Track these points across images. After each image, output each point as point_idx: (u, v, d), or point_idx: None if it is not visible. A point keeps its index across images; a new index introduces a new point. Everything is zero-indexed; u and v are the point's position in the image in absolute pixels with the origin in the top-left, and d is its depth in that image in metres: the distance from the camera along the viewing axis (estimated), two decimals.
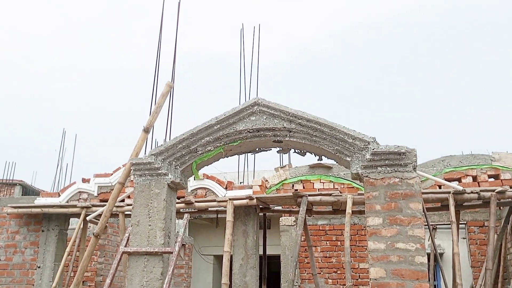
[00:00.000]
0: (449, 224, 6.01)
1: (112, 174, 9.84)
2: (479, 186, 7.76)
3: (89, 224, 7.95)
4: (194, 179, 9.01)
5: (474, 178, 8.09)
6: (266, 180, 9.23)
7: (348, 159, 4.34)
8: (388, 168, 4.19)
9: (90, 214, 7.20)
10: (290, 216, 8.68)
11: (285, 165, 9.37)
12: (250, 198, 6.56)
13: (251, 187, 8.97)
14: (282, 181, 9.07)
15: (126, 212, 6.93)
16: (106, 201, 7.91)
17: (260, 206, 6.99)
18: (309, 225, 8.36)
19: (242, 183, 10.60)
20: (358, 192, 6.61)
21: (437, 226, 7.99)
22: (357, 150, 4.27)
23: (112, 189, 6.22)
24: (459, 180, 8.11)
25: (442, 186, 7.70)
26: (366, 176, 4.23)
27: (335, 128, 4.31)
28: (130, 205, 6.56)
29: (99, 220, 5.52)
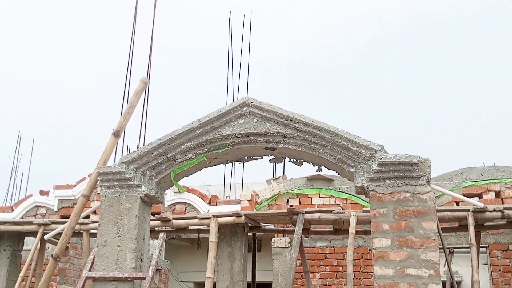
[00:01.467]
0: (468, 247, 6.04)
1: (75, 186, 9.80)
2: (502, 203, 7.83)
3: (47, 245, 7.87)
4: (179, 191, 8.99)
5: (497, 194, 8.16)
6: (257, 194, 9.23)
7: (352, 170, 4.35)
8: (397, 181, 4.21)
9: (48, 232, 7.13)
10: (284, 236, 8.68)
11: (279, 177, 9.38)
12: (238, 215, 6.54)
13: (238, 202, 8.96)
14: (275, 195, 9.07)
15: (92, 231, 6.87)
16: (68, 217, 7.83)
17: (249, 225, 6.97)
18: (306, 247, 8.36)
19: (228, 198, 10.58)
20: (363, 209, 6.63)
21: (454, 249, 8.02)
22: (362, 160, 4.29)
23: (75, 203, 6.17)
24: (479, 196, 8.17)
25: (460, 203, 7.74)
26: (373, 190, 4.24)
27: (337, 134, 4.32)
28: (96, 222, 6.51)
29: (59, 239, 5.46)
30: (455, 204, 8.06)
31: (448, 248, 7.30)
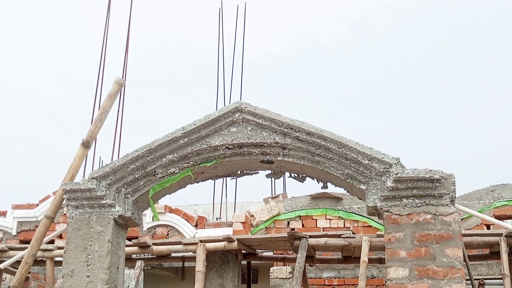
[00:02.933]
0: (501, 278, 6.05)
1: (37, 205, 9.78)
2: None
3: (4, 275, 7.83)
4: (153, 220, 9.01)
5: None
6: (252, 216, 9.23)
7: (363, 187, 4.37)
8: (416, 200, 4.23)
9: (5, 260, 7.10)
10: (284, 265, 8.67)
11: (278, 195, 9.39)
12: (229, 239, 6.55)
13: (231, 225, 8.96)
14: (274, 216, 9.08)
15: (56, 258, 6.85)
16: (28, 242, 7.81)
17: (243, 251, 6.98)
18: (311, 278, 8.35)
19: (219, 219, 10.58)
20: (377, 233, 6.65)
21: (484, 280, 8.03)
22: (375, 175, 4.30)
23: (37, 226, 6.16)
24: None
25: (491, 226, 7.76)
26: (387, 211, 4.26)
27: (345, 145, 4.34)
28: (62, 248, 6.50)
29: (17, 268, 5.45)
30: (485, 227, 8.07)
31: (478, 279, 7.31)
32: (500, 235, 6.08)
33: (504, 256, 5.94)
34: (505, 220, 7.61)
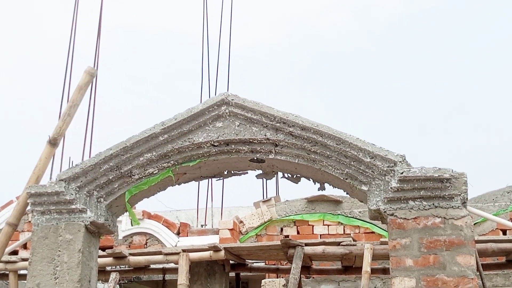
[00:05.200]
0: None
1: None
2: None
3: None
4: (132, 225, 9.00)
5: None
6: (241, 222, 9.24)
7: (365, 188, 4.39)
8: (424, 203, 4.25)
9: None
10: (277, 277, 8.68)
11: (270, 199, 9.41)
12: (216, 249, 6.56)
13: (217, 232, 8.97)
14: (266, 222, 9.09)
15: (21, 271, 6.83)
16: None
17: (231, 262, 6.99)
18: None
19: (204, 226, 10.59)
20: (381, 240, 6.67)
21: None
22: (378, 175, 4.32)
23: None
24: None
25: (507, 231, 7.81)
26: (392, 215, 4.27)
27: (344, 141, 4.36)
28: (27, 259, 6.49)
29: None
30: (501, 232, 8.12)
31: None
32: None
33: None
34: None
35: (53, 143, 5.17)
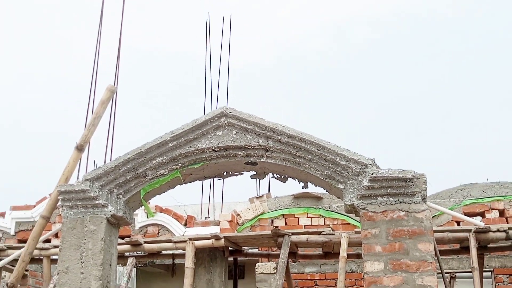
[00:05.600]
0: (471, 271, 6.09)
1: (34, 206, 9.70)
2: (507, 223, 7.92)
3: (3, 273, 7.76)
4: (147, 217, 8.98)
5: (501, 213, 8.24)
6: (238, 215, 9.23)
7: (341, 186, 4.40)
8: (391, 199, 4.26)
9: (3, 259, 7.05)
10: (269, 261, 8.67)
11: (262, 195, 9.39)
12: (217, 237, 6.54)
13: (218, 224, 8.95)
14: (259, 215, 9.08)
15: (53, 256, 6.81)
16: (26, 241, 7.77)
17: (230, 249, 6.97)
18: (294, 273, 8.36)
19: (207, 218, 10.55)
20: (356, 229, 6.67)
21: (456, 274, 8.08)
22: (352, 175, 4.33)
23: (34, 226, 6.13)
24: (482, 214, 8.25)
25: (461, 223, 7.82)
26: (364, 209, 4.29)
27: (323, 147, 4.37)
28: (58, 246, 6.47)
29: (15, 266, 5.41)
30: (455, 224, 8.13)
31: (450, 272, 7.35)
32: (469, 231, 6.13)
33: (473, 250, 5.99)
34: (473, 217, 7.67)
35: (79, 148, 5.16)
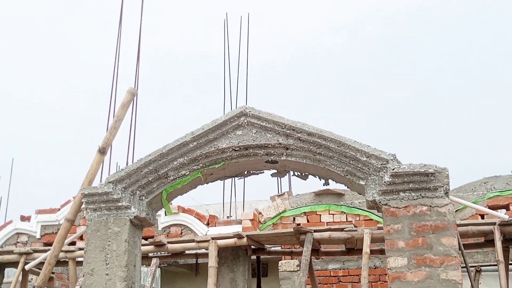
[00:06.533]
0: (496, 264, 6.03)
1: (59, 210, 9.83)
2: None
3: (30, 276, 7.87)
4: (166, 214, 9.03)
5: None
6: (260, 213, 9.24)
7: (362, 182, 4.38)
8: (413, 193, 4.23)
9: (30, 262, 7.15)
10: (292, 259, 8.67)
11: (284, 193, 9.39)
12: (239, 236, 6.55)
13: (240, 222, 8.97)
14: (280, 213, 9.08)
15: (78, 259, 6.88)
16: (52, 244, 7.87)
17: (253, 247, 6.97)
18: (317, 270, 8.35)
19: (229, 218, 10.59)
20: (378, 225, 6.63)
21: (481, 267, 7.99)
22: (373, 171, 4.31)
23: (59, 229, 6.21)
24: (506, 207, 8.16)
25: (485, 216, 7.73)
26: (385, 204, 4.26)
27: (344, 144, 4.36)
28: (83, 248, 6.54)
29: (42, 269, 5.49)
30: (479, 217, 8.05)
31: (474, 266, 7.28)
32: (494, 224, 6.06)
33: (498, 243, 5.92)
34: (498, 210, 7.60)
35: (102, 151, 5.21)
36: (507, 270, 6.04)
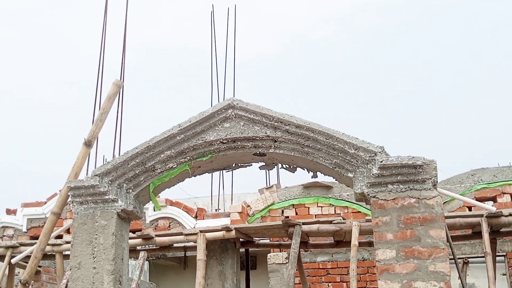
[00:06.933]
0: (483, 256, 6.07)
1: (45, 203, 9.77)
2: None
3: (17, 269, 7.82)
4: (154, 210, 9.01)
5: None
6: (248, 206, 9.24)
7: (350, 175, 4.37)
8: (401, 186, 4.23)
9: (17, 255, 7.10)
10: (280, 251, 8.69)
11: (272, 186, 9.40)
12: (228, 229, 6.54)
13: (228, 215, 8.97)
14: (269, 206, 9.09)
15: (65, 252, 6.84)
16: (38, 238, 7.82)
17: (241, 240, 6.97)
18: (305, 262, 8.37)
19: (217, 210, 10.58)
20: (366, 218, 6.64)
21: (469, 259, 8.06)
22: (361, 164, 4.31)
23: (46, 222, 6.17)
24: (494, 199, 8.21)
25: (472, 208, 7.78)
26: (374, 197, 4.26)
27: (332, 136, 4.34)
28: (69, 242, 6.51)
29: (28, 263, 5.45)
30: (467, 209, 8.10)
31: (462, 258, 7.33)
32: (481, 216, 6.09)
33: (486, 235, 5.96)
34: (485, 202, 7.64)
35: (88, 144, 5.17)
36: (494, 261, 6.09)
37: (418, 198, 4.19)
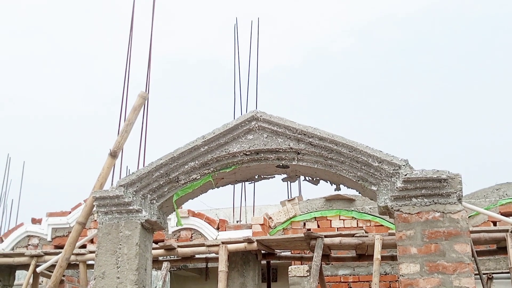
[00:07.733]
0: (508, 271, 5.98)
1: (70, 213, 9.87)
2: None
3: (41, 278, 7.90)
4: (177, 225, 9.03)
5: None
6: (270, 218, 9.22)
7: (374, 188, 4.35)
8: (425, 200, 4.19)
9: (41, 265, 7.17)
10: (302, 264, 8.63)
11: (294, 198, 9.37)
12: (249, 241, 6.54)
13: (250, 227, 8.96)
14: (291, 218, 9.06)
15: (89, 262, 6.90)
16: (63, 247, 7.89)
17: (263, 252, 6.97)
18: (327, 275, 8.31)
19: (239, 222, 10.58)
20: (389, 231, 6.60)
21: (493, 275, 7.93)
22: (385, 177, 4.28)
23: (70, 232, 6.22)
24: None
25: (497, 223, 7.67)
26: (398, 210, 4.23)
27: (356, 149, 4.33)
28: (94, 252, 6.55)
29: (53, 272, 5.50)
30: (491, 224, 7.99)
31: (486, 273, 7.22)
32: (506, 231, 6.03)
33: (511, 251, 5.88)
34: (510, 217, 7.51)
35: (113, 155, 5.22)
36: None
37: (443, 212, 4.15)
